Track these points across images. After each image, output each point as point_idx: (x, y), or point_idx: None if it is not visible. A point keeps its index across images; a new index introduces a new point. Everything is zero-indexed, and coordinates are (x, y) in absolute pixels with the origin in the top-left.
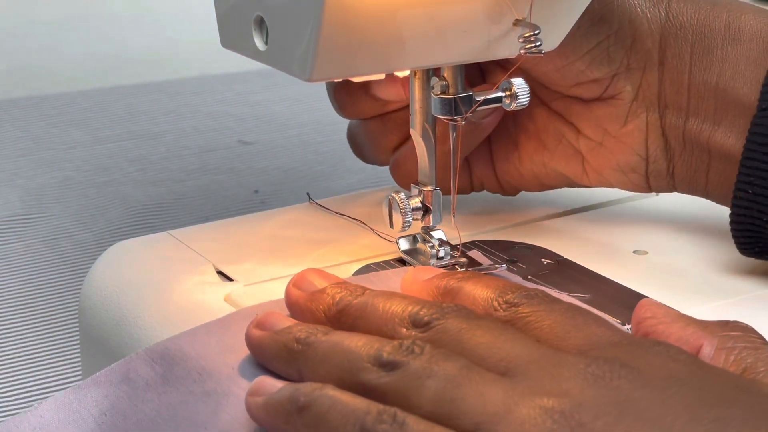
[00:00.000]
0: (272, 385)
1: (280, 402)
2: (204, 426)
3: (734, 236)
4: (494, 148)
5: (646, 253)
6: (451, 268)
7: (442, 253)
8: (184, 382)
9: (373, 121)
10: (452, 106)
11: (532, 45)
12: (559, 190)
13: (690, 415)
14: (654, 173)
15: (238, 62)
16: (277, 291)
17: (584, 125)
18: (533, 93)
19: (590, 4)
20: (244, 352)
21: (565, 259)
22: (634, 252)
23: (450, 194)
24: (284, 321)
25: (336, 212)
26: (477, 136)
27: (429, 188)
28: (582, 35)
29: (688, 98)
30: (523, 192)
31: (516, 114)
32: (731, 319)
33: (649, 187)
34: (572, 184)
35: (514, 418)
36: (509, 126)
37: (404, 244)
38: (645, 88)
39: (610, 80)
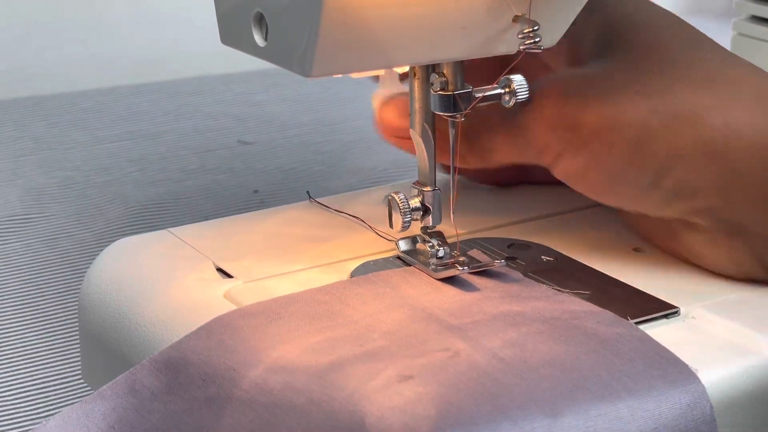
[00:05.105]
0: None
1: None
2: (207, 431)
3: None
4: None
5: (644, 250)
6: (450, 266)
7: (441, 253)
8: (188, 389)
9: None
10: (451, 103)
11: (531, 41)
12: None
13: None
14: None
15: (238, 62)
16: (276, 288)
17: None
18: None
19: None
20: (244, 351)
21: (565, 256)
22: (634, 250)
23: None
24: None
25: (335, 210)
26: None
27: (428, 188)
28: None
29: None
30: (521, 189)
31: None
32: (731, 318)
33: None
34: None
35: None
36: None
37: (404, 245)
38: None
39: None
